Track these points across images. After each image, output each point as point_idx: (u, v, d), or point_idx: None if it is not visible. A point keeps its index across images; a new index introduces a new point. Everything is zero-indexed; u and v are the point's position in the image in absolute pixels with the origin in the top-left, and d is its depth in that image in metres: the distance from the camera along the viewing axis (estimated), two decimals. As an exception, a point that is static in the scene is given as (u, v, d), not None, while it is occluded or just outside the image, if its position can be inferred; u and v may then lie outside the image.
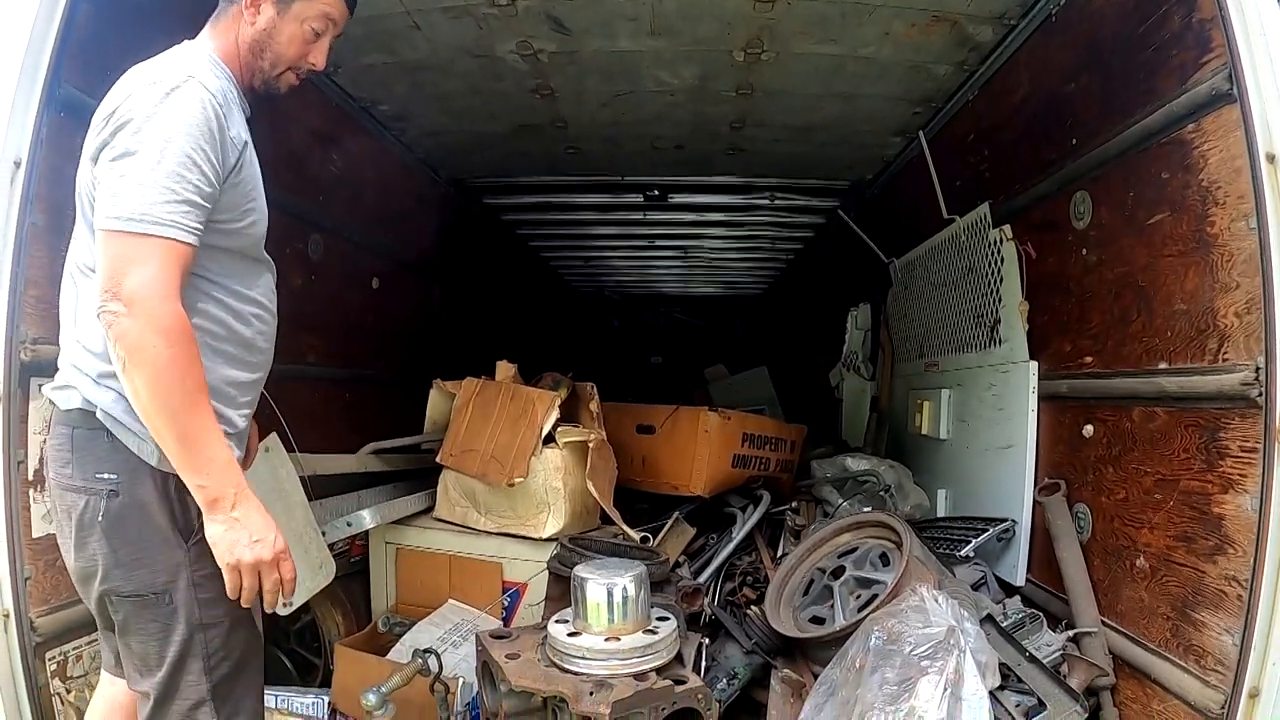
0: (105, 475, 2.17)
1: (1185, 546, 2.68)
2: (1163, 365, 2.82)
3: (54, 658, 2.84)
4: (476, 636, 2.81)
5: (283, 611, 3.32)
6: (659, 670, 2.55)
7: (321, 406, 4.66)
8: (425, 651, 3.08)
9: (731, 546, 4.19)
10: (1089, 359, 3.31)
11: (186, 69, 2.19)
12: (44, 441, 2.37)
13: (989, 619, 3.01)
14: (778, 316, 10.33)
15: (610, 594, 2.60)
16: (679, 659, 2.68)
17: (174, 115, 2.12)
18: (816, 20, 3.68)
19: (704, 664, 2.77)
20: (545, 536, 3.81)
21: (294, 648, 4.16)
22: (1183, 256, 2.72)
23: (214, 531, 2.13)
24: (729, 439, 4.68)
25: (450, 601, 3.83)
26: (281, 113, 3.85)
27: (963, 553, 3.68)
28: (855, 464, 4.95)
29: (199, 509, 2.16)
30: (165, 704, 2.26)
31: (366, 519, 3.83)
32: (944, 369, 4.91)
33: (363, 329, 5.28)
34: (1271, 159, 2.31)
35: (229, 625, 2.30)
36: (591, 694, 2.38)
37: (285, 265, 3.93)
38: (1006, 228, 4.01)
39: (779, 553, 4.22)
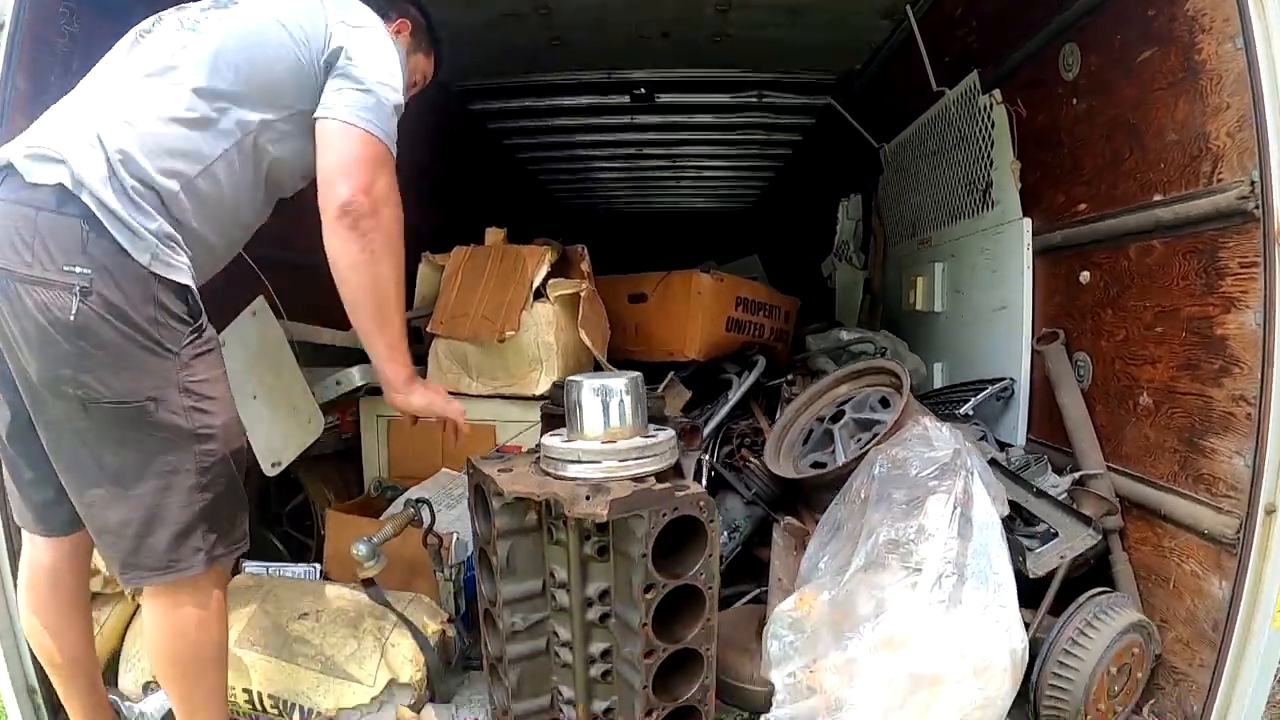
0: (78, 269, 2.02)
1: (1190, 374, 2.70)
2: (1157, 197, 2.83)
3: None
4: (468, 460, 2.69)
5: (271, 472, 3.35)
6: (658, 477, 2.44)
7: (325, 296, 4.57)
8: (417, 501, 3.02)
9: (728, 407, 4.18)
10: (1083, 206, 3.33)
11: None
12: None
13: (994, 461, 3.03)
14: (768, 215, 10.27)
15: (605, 396, 2.50)
16: (679, 470, 2.61)
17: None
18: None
19: (704, 480, 2.69)
20: (538, 394, 3.78)
21: (286, 529, 4.17)
22: (1172, 88, 2.73)
23: (413, 400, 2.65)
24: (722, 302, 4.68)
25: (443, 470, 3.82)
26: None
27: (961, 411, 3.71)
28: (849, 334, 4.98)
29: (187, 312, 2.16)
30: (148, 531, 2.16)
31: (355, 376, 3.82)
32: (936, 243, 4.91)
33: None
34: (1254, -25, 2.31)
35: (223, 438, 2.23)
36: (588, 497, 2.27)
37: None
38: (996, 92, 4.00)
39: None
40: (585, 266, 4.21)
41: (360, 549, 2.82)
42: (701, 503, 2.32)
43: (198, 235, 2.27)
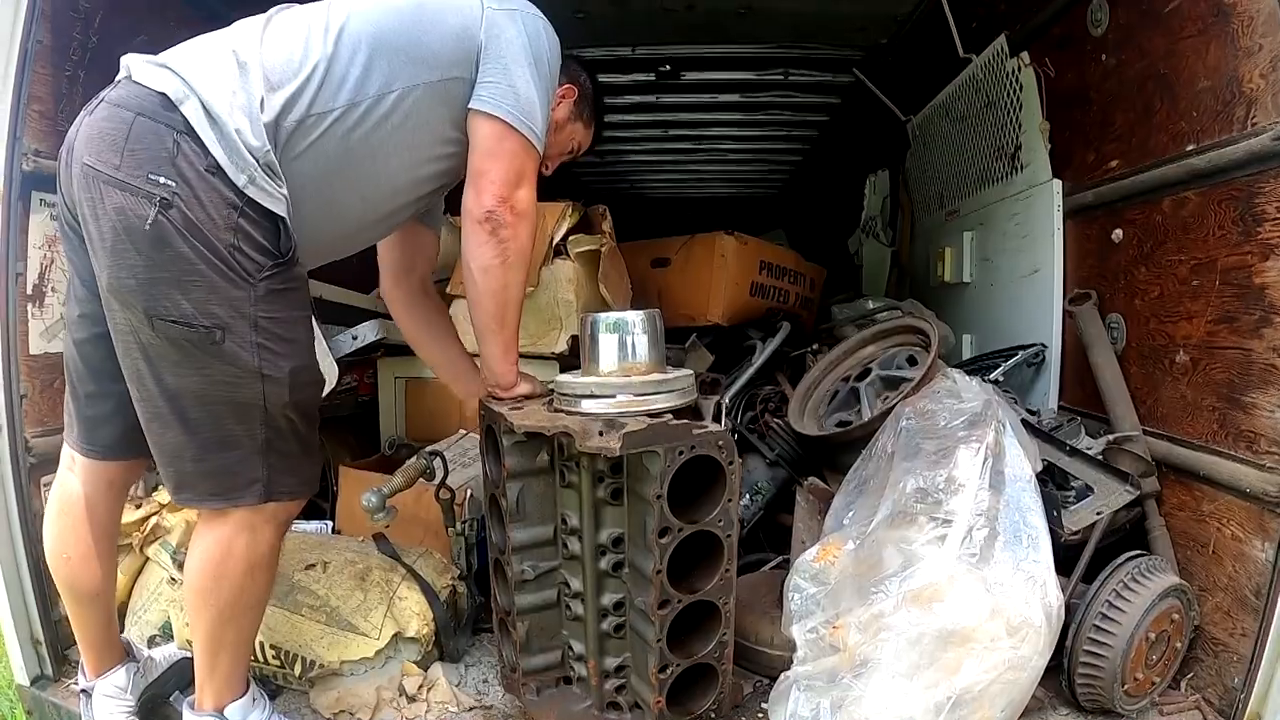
0: (162, 180, 2.00)
1: (1228, 327, 2.64)
2: (1190, 147, 2.77)
3: (48, 483, 2.72)
4: (480, 401, 2.66)
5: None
6: (675, 414, 2.36)
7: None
8: (430, 454, 2.96)
9: (753, 370, 4.12)
10: (1114, 163, 3.27)
11: None
12: (80, 134, 2.12)
13: (1025, 423, 2.97)
14: (794, 193, 10.22)
15: (621, 329, 2.48)
16: (696, 412, 2.55)
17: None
18: None
19: (724, 422, 2.63)
20: (558, 352, 3.75)
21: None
22: (1202, 34, 2.68)
23: (515, 395, 2.65)
24: (747, 265, 4.63)
25: (462, 430, 3.78)
26: None
27: (992, 376, 3.63)
28: (876, 304, 4.94)
29: (273, 247, 2.14)
30: (203, 456, 2.14)
31: (369, 332, 3.79)
32: (964, 213, 4.87)
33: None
34: (1283, -86, 2.26)
35: (291, 386, 2.18)
36: (601, 433, 2.22)
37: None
38: (1024, 54, 3.96)
39: (801, 388, 4.18)
40: (607, 226, 4.18)
41: (370, 499, 2.77)
42: (720, 442, 2.27)
43: (314, 189, 2.27)
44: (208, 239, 2.03)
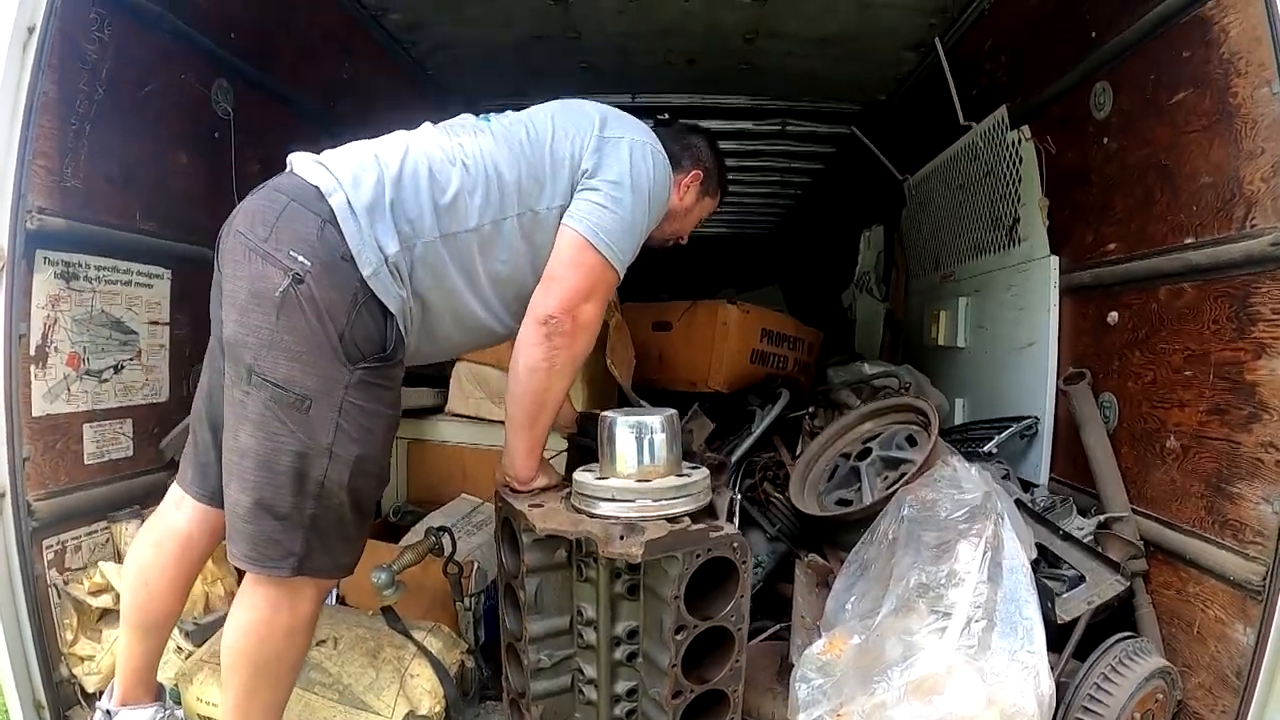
0: (300, 258, 2.16)
1: (1219, 419, 2.68)
2: (1189, 240, 2.81)
3: (51, 546, 2.81)
4: (496, 492, 2.72)
5: None
6: (692, 516, 2.45)
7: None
8: (439, 530, 2.98)
9: (752, 440, 4.16)
10: (1112, 246, 3.30)
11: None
12: (243, 208, 2.31)
13: (1019, 503, 3.02)
14: (790, 244, 10.25)
15: (640, 433, 2.52)
16: (712, 510, 2.59)
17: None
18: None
19: (736, 519, 2.70)
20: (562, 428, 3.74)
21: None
22: (1206, 130, 2.72)
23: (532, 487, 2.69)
24: (748, 334, 4.69)
25: (464, 495, 3.77)
26: (295, 10, 3.92)
27: (986, 449, 3.67)
28: (872, 368, 4.94)
29: (379, 340, 2.26)
30: (252, 518, 2.20)
31: None
32: (960, 278, 4.89)
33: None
34: (1292, 25, 2.31)
35: (354, 470, 2.25)
36: (622, 537, 2.28)
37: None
38: (1025, 128, 3.98)
39: (798, 453, 4.20)
40: (613, 296, 4.17)
41: (380, 577, 2.78)
42: (736, 544, 2.34)
43: (427, 300, 2.43)
44: (325, 318, 2.17)
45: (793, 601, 3.07)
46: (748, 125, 6.48)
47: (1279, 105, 2.39)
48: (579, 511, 2.49)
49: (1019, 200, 4.07)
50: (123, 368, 3.06)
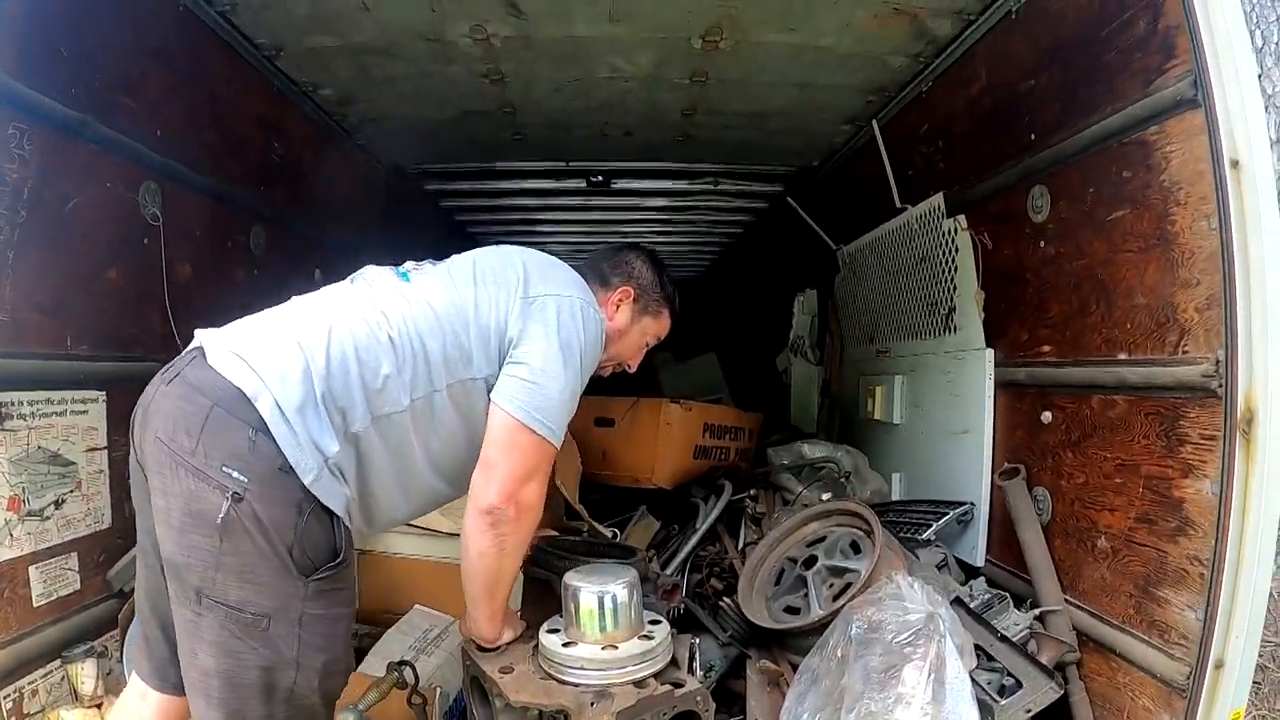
0: (235, 474, 2.07)
1: (1147, 528, 2.77)
2: (1122, 355, 2.89)
3: (9, 695, 2.68)
4: (463, 650, 2.77)
5: None
6: (657, 675, 2.53)
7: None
8: (400, 664, 2.98)
9: (696, 538, 4.24)
10: (1047, 348, 3.38)
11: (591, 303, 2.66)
12: (157, 404, 2.19)
13: (958, 601, 3.09)
14: (722, 302, 10.33)
15: (603, 602, 2.59)
16: (674, 662, 2.68)
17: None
18: (779, 9, 3.64)
19: (696, 665, 2.77)
20: None
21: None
22: (1143, 252, 2.79)
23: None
24: (690, 430, 4.72)
25: (417, 607, 3.73)
26: (222, 99, 3.79)
27: (924, 536, 3.76)
28: (812, 450, 4.99)
29: (329, 547, 2.21)
30: None
31: None
32: (895, 355, 4.96)
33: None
34: (1235, 164, 2.38)
35: (323, 675, 2.25)
36: (593, 704, 2.37)
37: (228, 259, 3.96)
38: (961, 218, 4.03)
39: (741, 542, 4.27)
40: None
41: (349, 717, 2.76)
42: (699, 698, 2.46)
43: (374, 477, 2.39)
44: (271, 537, 2.11)
45: (746, 703, 3.13)
46: (679, 185, 6.57)
47: (1217, 240, 2.44)
48: (549, 676, 2.56)
49: (955, 289, 4.12)
50: (64, 501, 2.92)
